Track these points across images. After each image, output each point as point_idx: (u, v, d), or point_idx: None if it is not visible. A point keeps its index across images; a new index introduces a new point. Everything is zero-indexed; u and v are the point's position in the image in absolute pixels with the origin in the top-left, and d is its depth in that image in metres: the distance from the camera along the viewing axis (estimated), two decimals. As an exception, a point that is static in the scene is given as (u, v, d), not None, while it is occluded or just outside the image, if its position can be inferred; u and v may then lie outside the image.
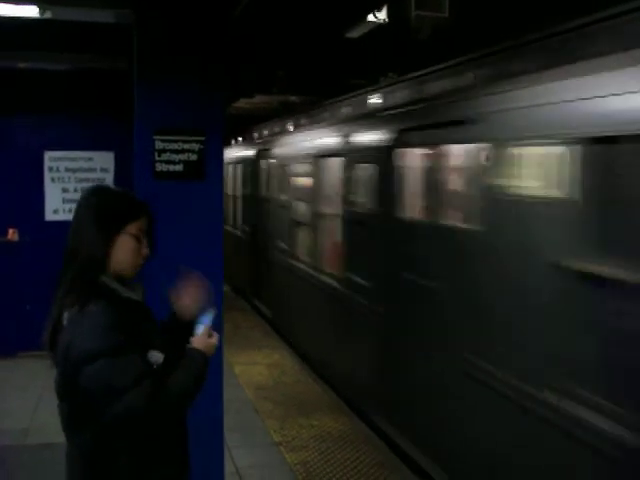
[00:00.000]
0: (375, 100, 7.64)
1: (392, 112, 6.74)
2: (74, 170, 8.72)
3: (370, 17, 7.80)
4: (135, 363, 2.31)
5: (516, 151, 4.37)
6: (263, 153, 12.06)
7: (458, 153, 5.20)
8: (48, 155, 8.68)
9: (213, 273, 4.64)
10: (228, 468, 5.23)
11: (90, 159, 8.71)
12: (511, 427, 4.35)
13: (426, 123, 5.74)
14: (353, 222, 7.26)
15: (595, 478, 3.62)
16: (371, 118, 7.31)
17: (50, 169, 8.69)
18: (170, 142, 4.48)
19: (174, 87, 4.53)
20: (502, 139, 4.47)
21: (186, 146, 4.51)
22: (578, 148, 3.75)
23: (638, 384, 3.29)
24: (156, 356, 2.43)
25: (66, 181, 8.72)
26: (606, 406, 3.53)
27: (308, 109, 10.90)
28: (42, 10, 5.39)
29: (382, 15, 7.66)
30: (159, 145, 4.46)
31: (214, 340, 2.60)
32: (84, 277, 2.40)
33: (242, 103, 14.24)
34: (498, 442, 4.50)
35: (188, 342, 2.56)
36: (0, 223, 8.65)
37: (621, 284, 3.47)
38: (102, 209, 2.47)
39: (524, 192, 4.29)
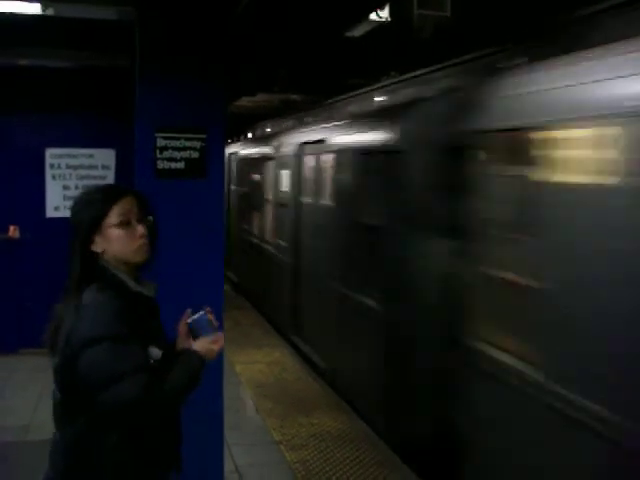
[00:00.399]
0: (293, 121, 11.96)
1: (300, 130, 10.19)
2: (75, 167, 8.71)
3: (372, 16, 7.80)
4: (136, 353, 2.33)
5: (339, 158, 7.69)
6: (233, 156, 15.04)
7: (325, 159, 8.34)
8: (49, 152, 8.66)
9: (214, 271, 4.67)
10: (227, 466, 5.24)
11: (91, 156, 8.70)
12: (350, 322, 7.29)
13: (312, 139, 8.89)
14: (280, 205, 10.51)
15: (373, 335, 6.53)
16: (290, 134, 10.62)
17: (51, 166, 8.68)
18: (172, 139, 4.48)
19: (176, 84, 4.53)
20: (335, 151, 7.85)
21: (188, 144, 4.51)
22: (357, 156, 7.18)
23: (381, 278, 6.34)
24: (156, 352, 2.44)
25: (67, 178, 8.70)
26: (371, 291, 6.58)
27: (260, 123, 15.21)
28: (44, 7, 5.39)
29: (384, 14, 7.65)
30: (160, 142, 4.46)
31: (217, 347, 2.58)
32: (89, 273, 2.43)
33: (245, 102, 14.23)
34: (349, 333, 7.34)
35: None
36: (1, 220, 8.64)
37: (378, 228, 6.40)
38: (77, 217, 2.48)
39: (344, 181, 7.48)
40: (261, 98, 13.78)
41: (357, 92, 9.17)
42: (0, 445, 5.92)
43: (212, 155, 4.58)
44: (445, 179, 5.17)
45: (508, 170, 4.55)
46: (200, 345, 2.54)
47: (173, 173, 4.49)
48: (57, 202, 8.65)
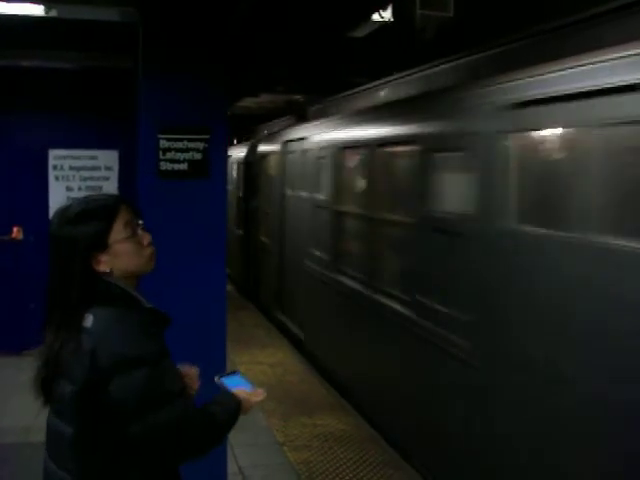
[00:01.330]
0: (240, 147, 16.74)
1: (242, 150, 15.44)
2: (78, 169, 8.72)
3: (375, 16, 7.80)
4: (175, 372, 2.21)
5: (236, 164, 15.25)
6: None
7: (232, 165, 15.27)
8: (52, 153, 8.68)
9: (216, 271, 4.67)
10: (231, 468, 5.23)
11: (94, 157, 8.71)
12: (239, 249, 14.26)
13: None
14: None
15: (241, 248, 14.15)
16: (238, 147, 16.23)
17: (54, 167, 8.69)
18: (175, 141, 4.48)
19: (178, 86, 4.53)
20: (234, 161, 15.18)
21: (190, 145, 4.51)
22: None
23: (248, 221, 13.80)
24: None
25: (70, 179, 8.72)
26: (243, 226, 14.21)
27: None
28: (47, 8, 5.40)
29: (387, 14, 7.66)
30: (163, 144, 4.46)
31: (255, 399, 2.44)
32: (86, 294, 2.21)
33: (248, 102, 14.23)
34: (236, 253, 14.17)
35: None
36: (5, 222, 8.66)
37: (249, 199, 13.82)
38: (67, 234, 2.25)
39: (239, 176, 14.95)
40: (265, 99, 13.77)
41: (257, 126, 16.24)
42: (2, 446, 5.94)
43: (215, 156, 4.58)
44: (256, 174, 12.91)
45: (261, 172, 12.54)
46: (244, 394, 2.41)
47: (176, 174, 4.49)
48: (60, 203, 8.62)
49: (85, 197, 2.42)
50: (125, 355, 2.09)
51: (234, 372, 2.58)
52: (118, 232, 2.24)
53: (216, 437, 2.33)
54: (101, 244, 2.22)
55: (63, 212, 2.33)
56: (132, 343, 2.12)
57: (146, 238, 2.32)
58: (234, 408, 2.34)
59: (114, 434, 2.11)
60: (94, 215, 2.25)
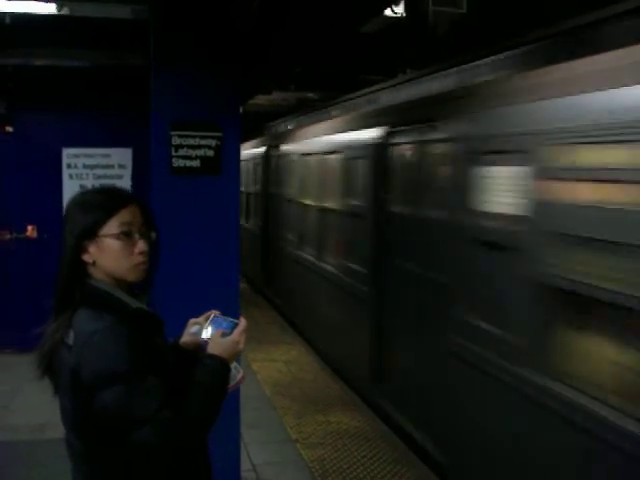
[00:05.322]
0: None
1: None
2: (92, 167, 8.74)
3: (387, 12, 7.77)
4: (155, 389, 2.06)
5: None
6: None
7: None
8: (66, 152, 8.70)
9: (229, 268, 4.67)
10: (244, 465, 5.23)
11: (108, 155, 8.72)
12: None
13: None
14: None
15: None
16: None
17: (68, 166, 8.71)
18: (187, 137, 4.49)
19: (191, 83, 4.53)
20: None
21: (203, 142, 4.52)
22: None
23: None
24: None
25: (84, 178, 8.73)
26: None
27: None
28: (59, 6, 5.40)
29: (399, 9, 7.63)
30: (176, 141, 4.47)
31: (235, 337, 2.31)
32: (76, 288, 2.22)
33: (261, 100, 14.23)
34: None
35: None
36: (19, 220, 8.70)
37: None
38: (71, 218, 2.24)
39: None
40: (278, 96, 13.76)
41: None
42: (18, 444, 5.97)
43: (227, 153, 4.58)
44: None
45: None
46: (217, 345, 2.29)
47: (188, 171, 4.50)
48: (74, 202, 8.66)
49: (104, 187, 2.39)
50: (100, 372, 2.03)
51: (213, 317, 2.45)
52: (112, 227, 2.19)
53: (212, 416, 2.24)
54: (91, 233, 2.19)
55: (77, 196, 2.33)
56: (108, 358, 2.04)
57: (139, 247, 2.22)
58: (219, 378, 2.25)
59: (120, 446, 2.08)
60: (97, 204, 2.23)
